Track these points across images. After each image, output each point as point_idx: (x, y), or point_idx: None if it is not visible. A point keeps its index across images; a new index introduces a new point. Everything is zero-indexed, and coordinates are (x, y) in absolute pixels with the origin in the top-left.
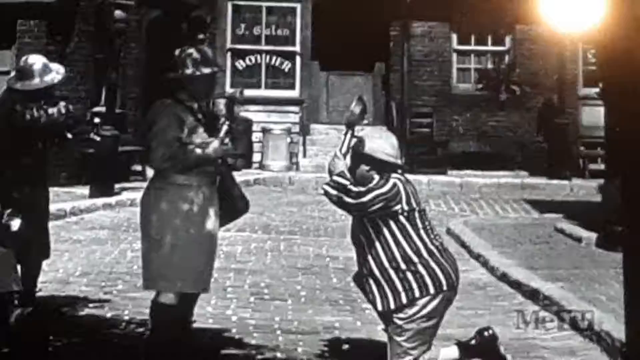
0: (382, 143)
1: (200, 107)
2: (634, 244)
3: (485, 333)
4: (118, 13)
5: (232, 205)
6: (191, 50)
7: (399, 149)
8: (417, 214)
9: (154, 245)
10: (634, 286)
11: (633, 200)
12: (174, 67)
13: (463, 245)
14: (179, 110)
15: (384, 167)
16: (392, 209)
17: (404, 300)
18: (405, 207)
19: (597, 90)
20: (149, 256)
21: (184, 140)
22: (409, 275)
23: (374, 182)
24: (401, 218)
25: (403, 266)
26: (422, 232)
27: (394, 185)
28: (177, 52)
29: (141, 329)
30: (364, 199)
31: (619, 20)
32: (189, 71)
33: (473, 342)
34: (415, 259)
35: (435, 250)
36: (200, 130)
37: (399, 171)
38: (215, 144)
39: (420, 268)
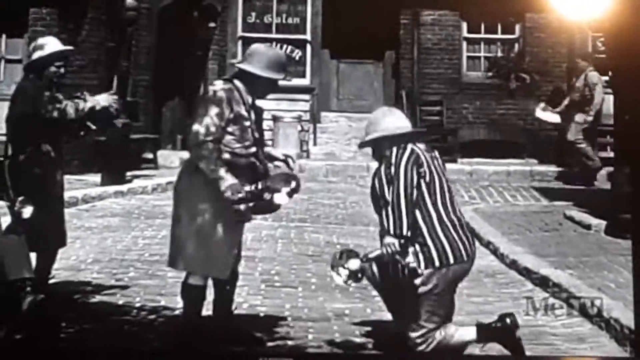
0: (393, 120)
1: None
2: None
3: (508, 319)
4: (129, 1)
5: (266, 201)
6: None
7: (407, 118)
8: (437, 183)
9: (181, 226)
10: None
11: None
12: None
13: (473, 232)
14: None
15: (401, 140)
16: (420, 168)
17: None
18: (427, 171)
19: (606, 78)
20: (175, 235)
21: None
22: (417, 247)
23: (393, 155)
24: (422, 183)
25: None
26: (439, 203)
27: (412, 150)
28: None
29: (153, 316)
30: (401, 186)
31: (628, 10)
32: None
33: (494, 325)
34: (424, 229)
35: (449, 224)
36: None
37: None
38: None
39: (428, 240)
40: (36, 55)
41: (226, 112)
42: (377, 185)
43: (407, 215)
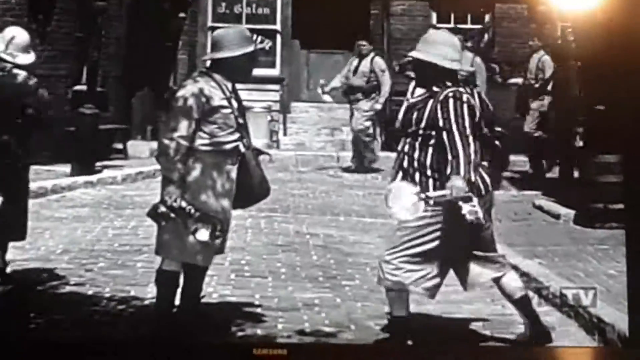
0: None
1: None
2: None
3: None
4: None
5: (251, 190)
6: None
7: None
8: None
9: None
10: (635, 266)
11: (633, 179)
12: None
13: None
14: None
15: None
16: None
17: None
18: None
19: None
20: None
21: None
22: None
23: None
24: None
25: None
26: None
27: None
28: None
29: (122, 306)
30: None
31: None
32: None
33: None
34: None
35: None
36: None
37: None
38: None
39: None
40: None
41: (196, 111)
42: (438, 114)
43: (476, 165)
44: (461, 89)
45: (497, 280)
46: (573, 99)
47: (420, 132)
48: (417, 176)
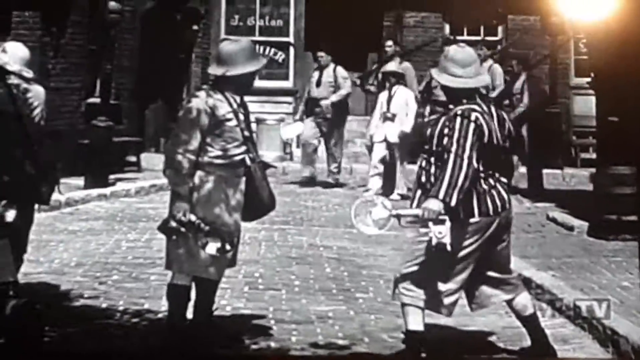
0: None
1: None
2: None
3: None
4: (112, 4)
5: (258, 202)
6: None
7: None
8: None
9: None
10: None
11: None
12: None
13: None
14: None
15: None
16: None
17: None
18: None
19: (588, 80)
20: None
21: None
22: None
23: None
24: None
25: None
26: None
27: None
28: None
29: (136, 319)
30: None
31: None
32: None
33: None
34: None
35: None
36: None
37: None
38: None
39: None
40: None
41: (203, 125)
42: (445, 132)
43: (462, 189)
44: (473, 106)
45: (509, 301)
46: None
47: (434, 148)
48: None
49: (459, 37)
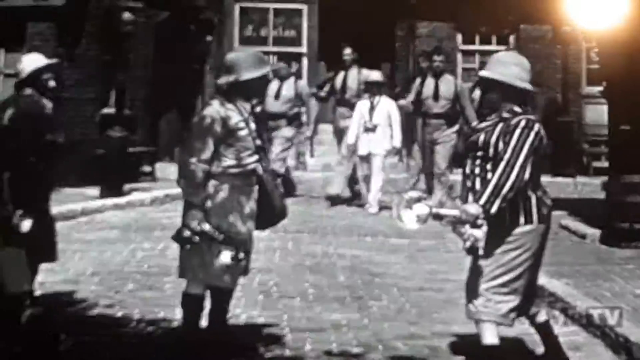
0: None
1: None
2: None
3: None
4: (126, 15)
5: (271, 211)
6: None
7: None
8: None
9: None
10: None
11: None
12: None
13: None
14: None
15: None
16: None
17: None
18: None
19: (600, 88)
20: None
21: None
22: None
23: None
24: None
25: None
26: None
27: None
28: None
29: (151, 328)
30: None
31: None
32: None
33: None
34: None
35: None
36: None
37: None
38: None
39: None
40: (30, 68)
41: (216, 134)
42: (505, 139)
43: (505, 198)
44: (532, 117)
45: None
46: None
47: (490, 155)
48: None
49: (471, 47)
